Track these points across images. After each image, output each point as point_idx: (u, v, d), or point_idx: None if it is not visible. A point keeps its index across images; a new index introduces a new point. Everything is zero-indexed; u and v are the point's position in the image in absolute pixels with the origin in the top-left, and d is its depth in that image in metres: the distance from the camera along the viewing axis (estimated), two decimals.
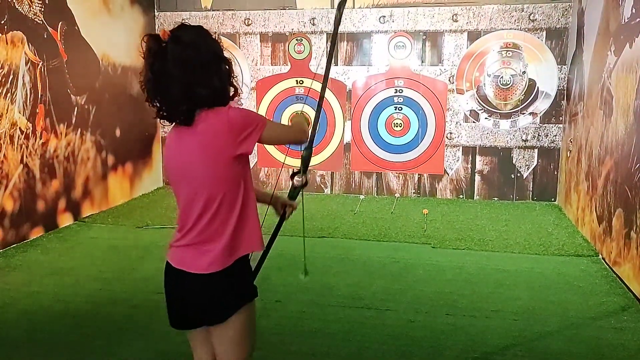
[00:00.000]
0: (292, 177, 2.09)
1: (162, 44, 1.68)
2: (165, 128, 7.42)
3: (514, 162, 6.63)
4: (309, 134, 2.01)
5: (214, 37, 1.76)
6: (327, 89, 6.65)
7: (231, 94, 1.80)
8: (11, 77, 4.75)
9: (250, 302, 1.85)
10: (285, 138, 1.94)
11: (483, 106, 6.61)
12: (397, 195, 6.90)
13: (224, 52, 1.78)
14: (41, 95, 5.13)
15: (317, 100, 2.24)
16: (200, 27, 1.76)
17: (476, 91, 6.60)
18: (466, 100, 6.64)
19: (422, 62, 6.69)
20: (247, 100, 7.11)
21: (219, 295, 1.78)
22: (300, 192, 2.10)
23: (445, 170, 6.79)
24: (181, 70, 1.66)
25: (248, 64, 7.06)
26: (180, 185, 1.79)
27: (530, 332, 3.19)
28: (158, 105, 1.73)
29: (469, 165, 6.75)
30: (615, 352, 2.98)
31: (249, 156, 1.79)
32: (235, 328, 1.81)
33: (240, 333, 1.83)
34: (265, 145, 1.62)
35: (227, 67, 1.76)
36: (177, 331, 1.91)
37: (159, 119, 1.78)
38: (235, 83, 1.80)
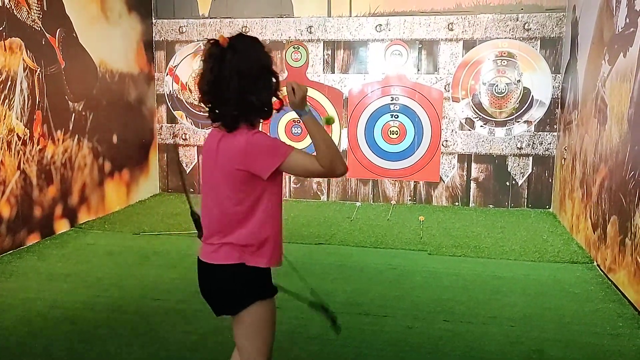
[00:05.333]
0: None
1: (223, 50, 1.81)
2: (162, 135, 7.43)
3: (509, 169, 6.68)
4: (345, 165, 1.87)
5: (265, 49, 1.88)
6: (324, 97, 6.76)
7: (276, 106, 1.90)
8: (9, 83, 4.76)
9: (264, 300, 1.89)
10: (313, 169, 1.83)
11: (478, 114, 6.67)
12: (393, 202, 6.93)
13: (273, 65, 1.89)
14: (39, 101, 5.14)
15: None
16: (254, 39, 1.87)
17: (471, 99, 6.65)
18: (462, 108, 6.69)
19: (418, 70, 6.74)
20: None
21: (230, 286, 1.87)
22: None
23: (441, 177, 6.83)
24: (236, 78, 1.79)
25: None
26: (206, 185, 1.94)
27: (527, 338, 3.21)
28: (211, 105, 1.86)
29: (465, 173, 6.79)
30: (611, 358, 3.00)
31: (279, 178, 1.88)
32: (247, 324, 1.88)
33: (253, 329, 1.88)
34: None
35: (275, 80, 1.88)
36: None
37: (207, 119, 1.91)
38: (280, 95, 1.90)
